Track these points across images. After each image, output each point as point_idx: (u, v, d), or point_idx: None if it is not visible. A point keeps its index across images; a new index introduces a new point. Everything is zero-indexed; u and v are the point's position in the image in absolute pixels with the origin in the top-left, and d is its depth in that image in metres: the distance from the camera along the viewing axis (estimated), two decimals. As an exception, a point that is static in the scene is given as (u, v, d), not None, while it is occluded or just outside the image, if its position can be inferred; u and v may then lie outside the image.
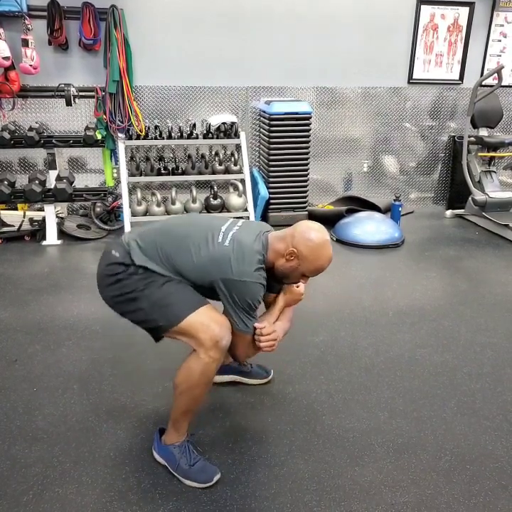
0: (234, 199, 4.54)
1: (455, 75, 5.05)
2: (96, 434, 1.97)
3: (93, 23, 4.14)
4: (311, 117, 4.43)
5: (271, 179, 4.51)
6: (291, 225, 1.81)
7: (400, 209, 4.54)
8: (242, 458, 1.86)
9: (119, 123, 4.34)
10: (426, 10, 4.80)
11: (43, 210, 4.11)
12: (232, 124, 4.55)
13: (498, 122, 4.90)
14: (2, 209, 4.19)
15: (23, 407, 2.12)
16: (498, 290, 3.37)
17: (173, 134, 4.43)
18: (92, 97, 4.37)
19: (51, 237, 4.10)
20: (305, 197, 4.63)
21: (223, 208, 4.56)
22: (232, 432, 2.00)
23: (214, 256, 1.67)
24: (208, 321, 1.65)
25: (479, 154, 4.87)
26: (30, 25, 4.01)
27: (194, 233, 1.75)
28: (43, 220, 4.13)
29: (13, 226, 4.14)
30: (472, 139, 4.79)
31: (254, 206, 4.54)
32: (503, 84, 4.50)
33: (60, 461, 1.83)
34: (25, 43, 3.99)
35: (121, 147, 4.36)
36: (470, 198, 4.70)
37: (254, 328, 1.76)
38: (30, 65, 4.05)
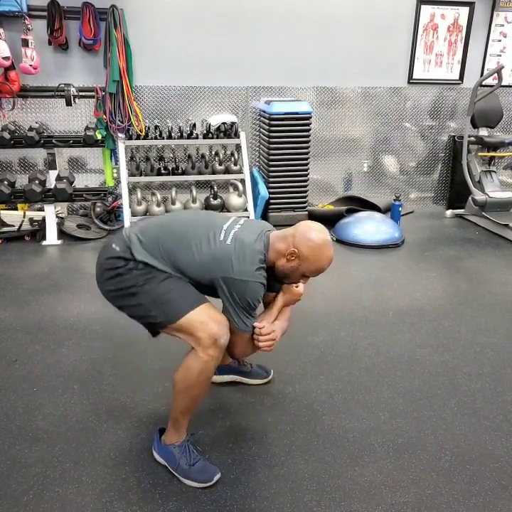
0: (234, 199, 4.54)
1: (455, 75, 5.05)
2: (96, 434, 1.97)
3: (93, 23, 4.14)
4: (311, 117, 4.43)
5: (271, 179, 4.51)
6: (291, 225, 1.81)
7: (400, 209, 4.54)
8: (242, 458, 1.86)
9: (119, 123, 4.34)
10: (426, 10, 4.80)
11: (43, 210, 4.11)
12: (232, 124, 4.55)
13: (498, 122, 4.90)
14: (2, 209, 4.19)
15: (23, 407, 2.12)
16: (498, 290, 3.37)
17: (173, 134, 4.43)
18: (92, 97, 4.37)
19: (51, 237, 4.10)
20: (305, 197, 4.62)
21: (223, 208, 4.56)
22: (232, 432, 2.00)
23: (215, 254, 1.67)
24: (206, 319, 1.65)
25: (479, 154, 4.87)
26: (30, 25, 4.01)
27: (196, 230, 1.75)
28: (43, 220, 4.13)
29: (13, 226, 4.14)
30: (472, 138, 4.79)
31: (254, 206, 4.54)
32: (503, 84, 4.50)
33: (60, 461, 1.83)
34: (25, 43, 3.99)
35: (121, 147, 4.36)
36: (470, 198, 4.70)
37: (253, 327, 1.76)
38: (30, 65, 4.05)
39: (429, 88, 5.05)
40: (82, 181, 4.52)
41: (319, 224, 1.79)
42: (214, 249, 1.68)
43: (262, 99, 4.62)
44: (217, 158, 4.57)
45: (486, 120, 4.80)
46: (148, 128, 4.44)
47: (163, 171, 4.50)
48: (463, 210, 4.92)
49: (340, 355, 2.55)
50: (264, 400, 2.20)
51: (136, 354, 2.51)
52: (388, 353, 2.58)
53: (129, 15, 4.26)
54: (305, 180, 4.58)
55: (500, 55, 5.09)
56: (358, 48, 4.76)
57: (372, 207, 4.73)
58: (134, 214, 4.33)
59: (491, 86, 4.54)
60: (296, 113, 4.37)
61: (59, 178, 4.05)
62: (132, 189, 4.53)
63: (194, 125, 4.45)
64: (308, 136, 4.45)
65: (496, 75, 4.40)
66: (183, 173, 4.53)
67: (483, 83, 4.60)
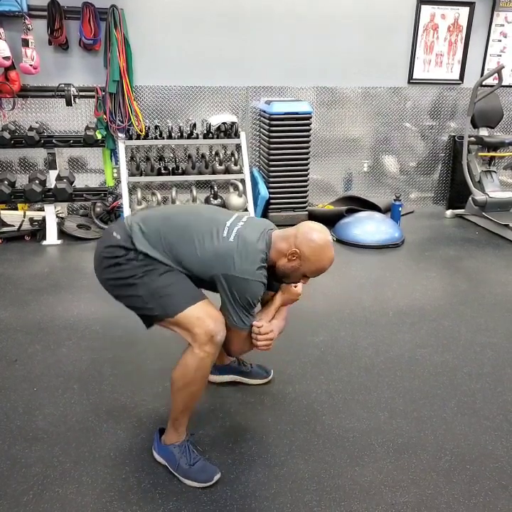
0: (234, 199, 4.54)
1: (455, 75, 5.05)
2: (96, 434, 1.97)
3: (93, 22, 4.14)
4: (311, 117, 4.43)
5: (271, 179, 4.51)
6: (291, 225, 1.82)
7: (400, 209, 4.54)
8: (242, 458, 1.86)
9: (119, 123, 4.34)
10: (426, 10, 4.80)
11: (43, 210, 4.11)
12: (232, 124, 4.55)
13: (498, 122, 4.90)
14: (2, 209, 4.19)
15: (23, 407, 2.12)
16: (498, 290, 3.37)
17: (173, 134, 4.44)
18: (92, 96, 4.37)
19: (51, 237, 4.10)
20: (305, 197, 4.62)
21: (223, 207, 4.56)
22: (232, 432, 2.00)
23: (218, 251, 1.67)
24: (203, 316, 1.65)
25: (479, 154, 4.87)
26: (30, 25, 4.01)
27: (199, 225, 1.74)
28: (43, 219, 4.13)
29: (14, 226, 4.14)
30: (472, 138, 4.78)
31: (255, 206, 4.54)
32: (503, 84, 4.50)
33: (60, 461, 1.83)
34: (25, 42, 3.99)
35: (121, 147, 4.36)
36: (470, 198, 4.70)
37: (251, 326, 1.76)
38: (31, 65, 4.05)
39: (430, 88, 5.05)
40: (82, 181, 4.52)
41: (321, 225, 1.79)
42: (217, 245, 1.68)
43: (262, 99, 4.62)
44: (217, 158, 4.57)
45: (486, 120, 4.80)
46: (149, 128, 4.45)
47: (163, 171, 4.50)
48: (463, 210, 4.92)
49: (340, 355, 2.55)
50: (264, 400, 2.20)
51: (136, 354, 2.51)
52: (388, 353, 2.58)
53: (129, 15, 4.26)
54: (305, 180, 4.58)
55: (500, 55, 5.09)
56: (358, 48, 4.76)
57: (372, 207, 4.73)
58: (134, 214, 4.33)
59: (491, 86, 4.54)
60: (296, 113, 4.37)
61: (59, 178, 4.05)
62: (132, 189, 4.53)
63: (194, 125, 4.45)
64: (308, 136, 4.45)
65: (496, 75, 4.40)
66: (183, 173, 4.53)
67: (484, 83, 4.59)
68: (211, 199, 4.52)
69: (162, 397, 2.15)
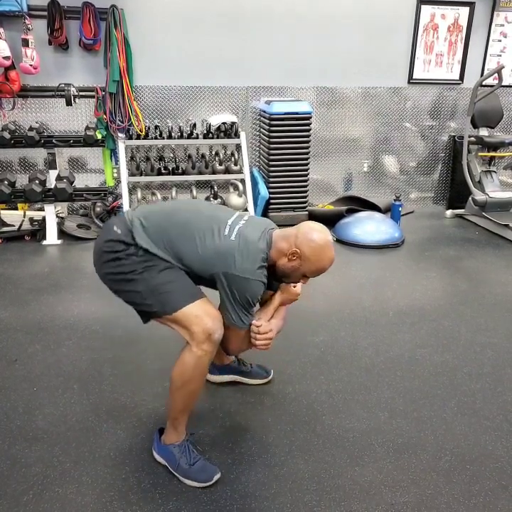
0: (234, 199, 4.54)
1: (455, 75, 5.05)
2: (96, 434, 1.97)
3: (93, 22, 4.14)
4: (311, 117, 4.43)
5: (271, 179, 4.51)
6: (291, 225, 1.82)
7: (400, 209, 4.54)
8: (242, 458, 1.86)
9: (119, 123, 4.34)
10: (426, 10, 4.80)
11: (43, 210, 4.11)
12: (232, 123, 4.55)
13: (498, 122, 4.90)
14: (2, 209, 4.19)
15: (23, 406, 2.12)
16: (498, 290, 3.37)
17: (173, 134, 4.44)
18: (92, 96, 4.37)
19: (51, 236, 4.10)
20: (305, 197, 4.62)
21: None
22: (232, 432, 2.00)
23: (219, 249, 1.67)
24: (201, 314, 1.65)
25: (479, 154, 4.87)
26: (30, 25, 4.01)
27: (200, 222, 1.74)
28: (43, 219, 4.13)
29: (14, 226, 4.14)
30: (472, 138, 4.78)
31: (255, 206, 4.54)
32: (503, 84, 4.50)
33: (60, 461, 1.83)
34: (25, 42, 3.99)
35: (121, 147, 4.36)
36: (470, 198, 4.70)
37: (250, 325, 1.76)
38: (31, 65, 4.05)
39: (429, 88, 5.05)
40: (82, 181, 4.52)
41: (321, 225, 1.79)
42: (218, 244, 1.68)
43: (262, 99, 4.62)
44: (217, 158, 4.57)
45: (486, 120, 4.80)
46: (149, 128, 4.45)
47: (163, 171, 4.50)
48: (463, 210, 4.92)
49: (340, 355, 2.55)
50: (264, 400, 2.20)
51: (136, 354, 2.51)
52: (388, 353, 2.58)
53: (129, 15, 4.26)
54: (305, 180, 4.58)
55: (500, 55, 5.09)
56: (358, 48, 4.76)
57: (372, 207, 4.73)
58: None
59: (491, 86, 4.54)
60: (296, 113, 4.37)
61: (59, 178, 4.05)
62: (132, 189, 4.53)
63: (194, 125, 4.45)
64: (308, 136, 4.45)
65: (496, 75, 4.40)
66: (183, 173, 4.53)
67: (484, 83, 4.59)
68: (211, 199, 4.52)
69: (162, 397, 2.15)
